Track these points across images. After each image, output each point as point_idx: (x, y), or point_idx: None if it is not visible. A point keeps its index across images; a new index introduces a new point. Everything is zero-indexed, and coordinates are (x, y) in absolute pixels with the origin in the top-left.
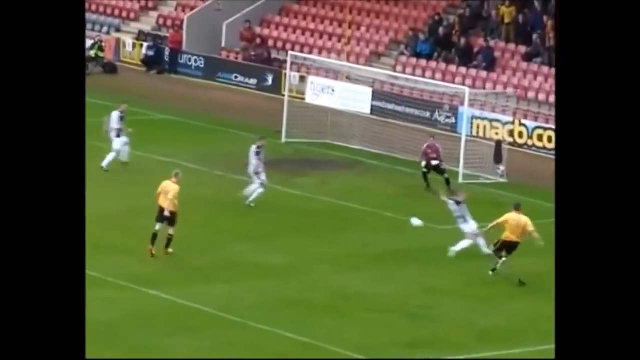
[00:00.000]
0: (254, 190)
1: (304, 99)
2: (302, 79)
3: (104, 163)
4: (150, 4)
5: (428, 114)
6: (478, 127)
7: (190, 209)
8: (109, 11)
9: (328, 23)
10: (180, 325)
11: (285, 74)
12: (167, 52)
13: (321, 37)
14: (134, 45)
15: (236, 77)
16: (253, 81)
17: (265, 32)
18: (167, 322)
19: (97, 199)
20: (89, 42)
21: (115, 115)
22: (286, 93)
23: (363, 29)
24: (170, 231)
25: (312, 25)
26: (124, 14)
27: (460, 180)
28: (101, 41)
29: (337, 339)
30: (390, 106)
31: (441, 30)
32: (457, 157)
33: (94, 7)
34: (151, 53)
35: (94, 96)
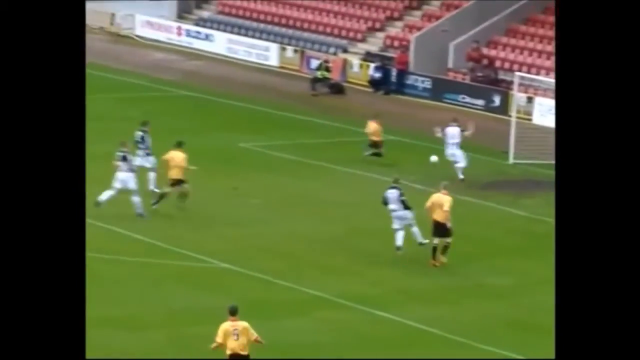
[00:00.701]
0: None
1: (531, 119)
2: (530, 99)
3: (460, 176)
4: (377, 25)
5: None
6: None
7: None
8: (335, 32)
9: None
10: (405, 346)
11: (513, 95)
12: (394, 72)
13: (548, 58)
14: (360, 66)
15: (463, 98)
16: (480, 102)
17: (492, 52)
18: (392, 343)
19: (321, 221)
20: (315, 63)
21: (454, 130)
22: (513, 114)
23: None
24: (448, 240)
25: (539, 46)
26: (351, 34)
27: None
28: (327, 61)
29: None
30: None
31: None
32: None
33: (321, 28)
34: (378, 74)
35: (321, 117)
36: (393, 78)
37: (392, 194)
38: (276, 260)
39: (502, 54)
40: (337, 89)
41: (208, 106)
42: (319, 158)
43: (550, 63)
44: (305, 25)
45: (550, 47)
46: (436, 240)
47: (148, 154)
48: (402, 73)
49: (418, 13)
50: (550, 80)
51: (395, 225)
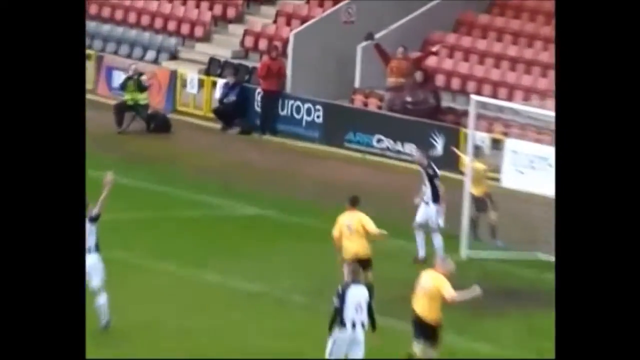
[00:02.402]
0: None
1: None
2: None
3: None
4: (231, 12)
5: None
6: None
7: None
8: (158, 24)
9: None
10: None
11: None
12: (258, 95)
13: None
14: (200, 83)
15: None
16: None
17: None
18: None
19: None
20: (121, 77)
21: None
22: None
23: None
24: None
25: None
26: (185, 29)
27: None
28: (141, 74)
29: None
30: None
31: None
32: None
33: (131, 18)
34: (231, 97)
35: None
36: (257, 105)
37: None
38: None
39: None
40: (159, 124)
41: None
42: None
43: None
44: None
45: None
46: None
47: None
48: (273, 96)
49: None
50: None
51: None
